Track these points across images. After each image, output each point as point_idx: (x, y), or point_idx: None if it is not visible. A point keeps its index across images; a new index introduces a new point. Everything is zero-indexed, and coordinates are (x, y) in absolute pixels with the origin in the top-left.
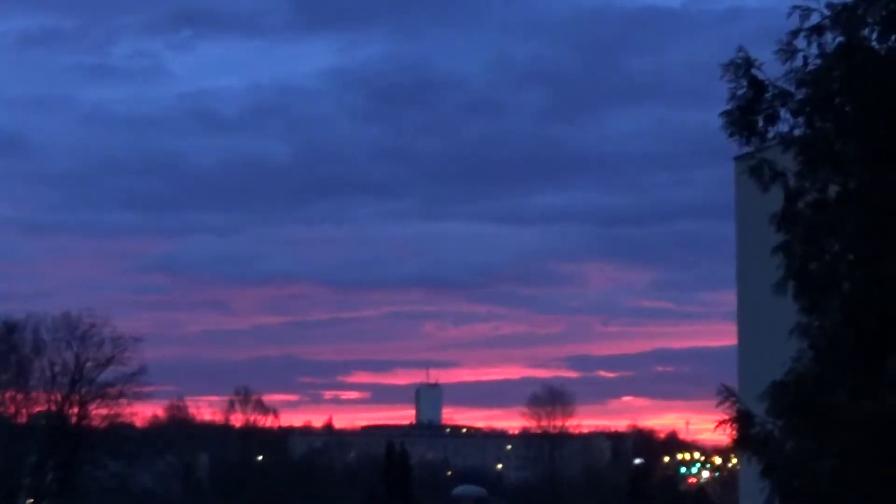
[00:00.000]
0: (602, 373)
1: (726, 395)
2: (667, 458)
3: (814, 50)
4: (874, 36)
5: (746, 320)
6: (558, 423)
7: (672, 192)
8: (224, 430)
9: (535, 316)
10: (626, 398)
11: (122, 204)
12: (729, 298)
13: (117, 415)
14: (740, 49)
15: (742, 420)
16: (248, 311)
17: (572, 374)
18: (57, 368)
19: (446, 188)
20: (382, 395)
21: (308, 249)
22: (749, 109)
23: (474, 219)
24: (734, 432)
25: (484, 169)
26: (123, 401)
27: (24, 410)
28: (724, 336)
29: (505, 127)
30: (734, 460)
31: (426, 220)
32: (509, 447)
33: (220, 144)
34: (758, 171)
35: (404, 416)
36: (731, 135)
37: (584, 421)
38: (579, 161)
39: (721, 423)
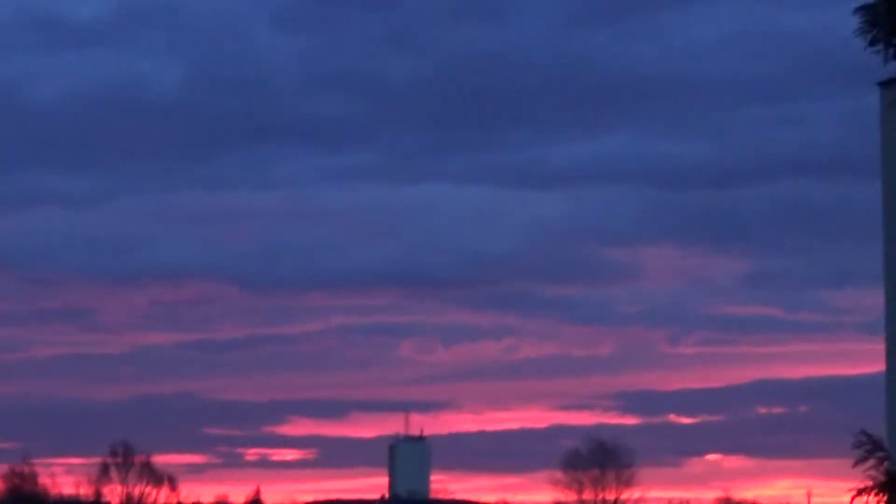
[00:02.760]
0: (674, 417)
1: (869, 447)
2: None
3: None
4: None
5: None
6: (609, 495)
7: (773, 136)
8: None
9: (567, 329)
10: (713, 456)
11: None
12: (869, 299)
13: None
14: None
15: (893, 486)
16: (124, 325)
17: (629, 421)
18: None
19: (424, 133)
20: (336, 455)
21: (212, 229)
22: None
23: (467, 179)
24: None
25: (480, 103)
26: None
27: None
28: (861, 358)
29: (510, 37)
30: None
31: (394, 183)
32: None
33: (70, 67)
34: None
35: (371, 486)
36: (873, 43)
37: (651, 492)
38: (625, 89)
39: (861, 491)
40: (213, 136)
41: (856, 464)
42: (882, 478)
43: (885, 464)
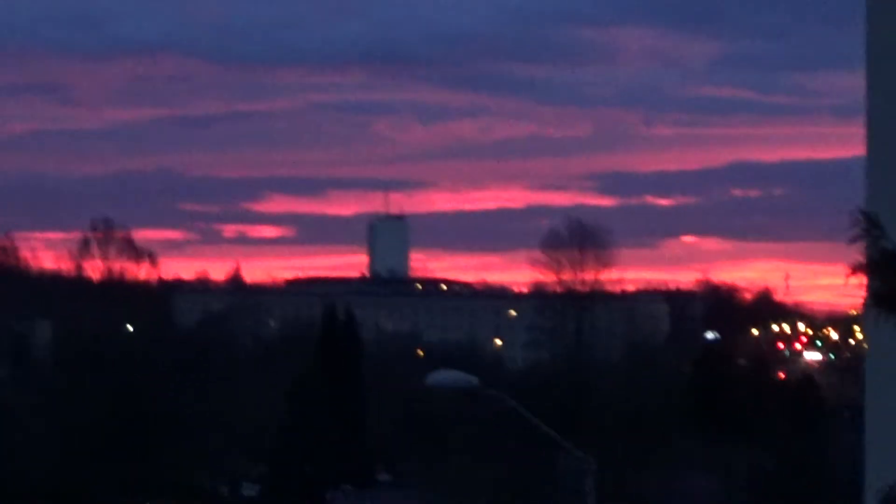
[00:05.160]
0: (651, 199)
1: (864, 226)
2: (755, 331)
3: None
4: None
5: (882, 114)
6: (588, 276)
7: None
8: (75, 284)
9: (543, 109)
10: (690, 238)
11: None
12: (848, 81)
13: None
14: None
15: (890, 264)
16: (98, 99)
17: (606, 202)
18: None
19: None
20: (315, 232)
21: (184, 4)
22: None
23: None
24: (874, 284)
25: None
26: None
27: None
28: (839, 142)
29: None
30: (861, 334)
31: None
32: (513, 313)
33: None
34: None
35: (350, 264)
36: None
37: (628, 273)
38: None
39: (854, 269)
40: None
41: (850, 242)
42: (877, 257)
43: (880, 242)
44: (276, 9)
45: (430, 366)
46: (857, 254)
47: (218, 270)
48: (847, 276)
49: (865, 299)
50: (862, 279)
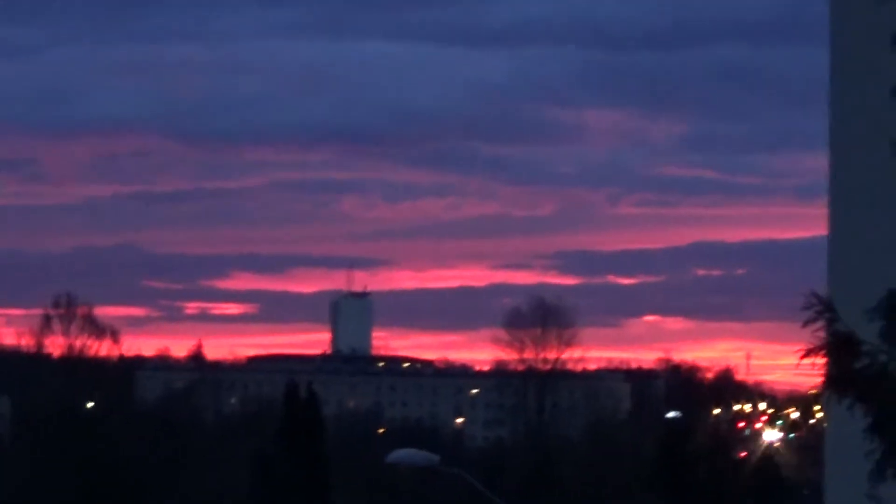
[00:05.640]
0: (614, 278)
1: (818, 308)
2: (717, 410)
3: None
4: None
5: (843, 195)
6: (550, 354)
7: None
8: (35, 360)
9: (507, 189)
10: (652, 318)
11: None
12: (811, 162)
13: None
14: None
15: (843, 347)
16: (64, 176)
17: (569, 281)
18: None
19: None
20: (278, 310)
21: (152, 81)
22: None
23: (408, 36)
24: (829, 366)
25: None
26: None
27: None
28: (802, 222)
29: None
30: (820, 413)
31: (334, 37)
32: (475, 391)
33: None
34: None
35: (313, 341)
36: None
37: (591, 352)
38: None
39: (808, 352)
40: None
41: (804, 325)
42: (831, 339)
43: (835, 325)
44: (242, 87)
45: (392, 443)
46: (815, 335)
47: (180, 347)
48: (801, 358)
49: (824, 379)
50: (817, 360)
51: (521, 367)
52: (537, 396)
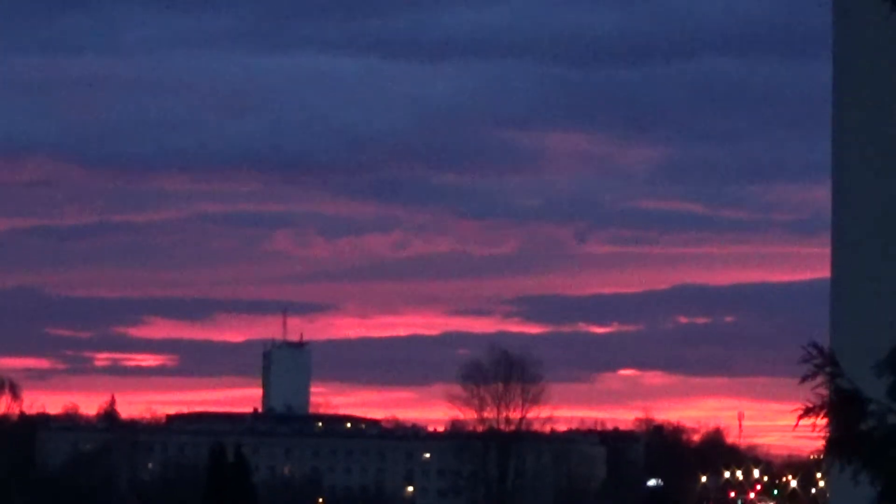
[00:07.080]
0: (585, 326)
1: (818, 361)
2: (704, 478)
3: None
4: None
5: (848, 231)
6: (514, 413)
7: (694, 5)
8: None
9: (462, 223)
10: (629, 372)
11: None
12: (809, 193)
13: None
14: None
15: (847, 406)
16: None
17: (534, 329)
18: None
19: None
20: (202, 362)
21: (52, 100)
22: None
23: (349, 48)
24: (831, 428)
25: None
26: None
27: None
28: (799, 262)
29: None
30: (822, 481)
31: (263, 50)
32: (428, 456)
33: None
34: None
35: (242, 397)
36: None
37: (560, 411)
38: None
39: (807, 411)
40: None
41: (802, 380)
42: (832, 398)
43: (836, 381)
44: (158, 107)
45: None
46: (815, 392)
47: (89, 404)
48: (799, 418)
49: (826, 442)
50: (818, 421)
51: (480, 428)
52: (499, 462)
